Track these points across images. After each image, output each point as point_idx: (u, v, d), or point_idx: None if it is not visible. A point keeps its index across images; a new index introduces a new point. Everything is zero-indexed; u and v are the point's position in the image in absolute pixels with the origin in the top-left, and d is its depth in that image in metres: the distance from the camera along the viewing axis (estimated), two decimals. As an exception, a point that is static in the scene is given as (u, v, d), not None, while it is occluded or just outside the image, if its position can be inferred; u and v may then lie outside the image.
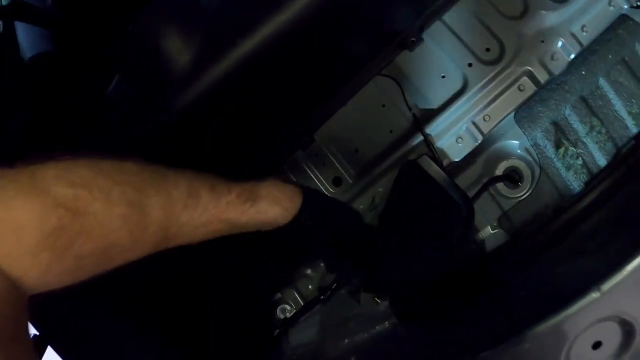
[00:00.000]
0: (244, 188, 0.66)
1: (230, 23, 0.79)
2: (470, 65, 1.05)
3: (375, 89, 1.09)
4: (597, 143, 1.06)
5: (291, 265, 1.08)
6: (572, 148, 1.06)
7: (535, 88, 1.03)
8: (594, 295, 0.62)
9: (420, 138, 1.07)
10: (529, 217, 1.08)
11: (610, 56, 1.05)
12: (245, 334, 1.03)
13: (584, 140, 1.06)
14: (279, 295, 1.10)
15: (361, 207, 1.10)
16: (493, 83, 1.04)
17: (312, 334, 1.03)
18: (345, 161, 1.11)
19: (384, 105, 1.10)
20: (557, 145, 1.07)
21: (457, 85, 1.06)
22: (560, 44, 1.02)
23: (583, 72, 1.05)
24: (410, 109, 1.08)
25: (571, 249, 0.90)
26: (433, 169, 1.04)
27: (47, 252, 0.44)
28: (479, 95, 1.05)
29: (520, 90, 1.03)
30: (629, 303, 0.64)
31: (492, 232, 1.09)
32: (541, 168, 1.08)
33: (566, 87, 1.06)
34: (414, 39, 1.00)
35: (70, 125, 0.84)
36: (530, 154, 1.08)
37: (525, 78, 1.03)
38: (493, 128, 1.04)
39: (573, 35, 1.02)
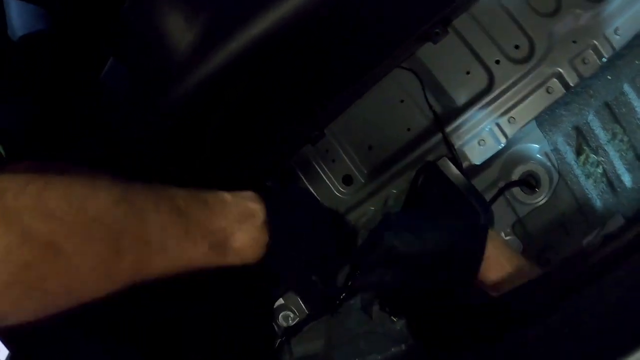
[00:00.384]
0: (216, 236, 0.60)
1: (240, 1, 0.70)
2: (497, 62, 0.99)
3: (394, 83, 1.02)
4: (618, 151, 1.02)
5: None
6: (593, 155, 1.02)
7: (564, 91, 0.97)
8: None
9: (439, 138, 1.00)
10: (544, 225, 1.04)
11: (637, 62, 1.00)
12: (244, 343, 0.95)
13: (605, 147, 1.02)
14: (281, 301, 1.02)
15: (372, 208, 1.03)
16: (521, 83, 0.98)
17: (318, 346, 0.95)
18: (357, 158, 1.04)
19: (402, 101, 1.03)
20: (578, 152, 1.03)
21: (482, 83, 0.99)
22: (592, 46, 0.97)
23: (609, 77, 1.01)
24: (430, 106, 1.01)
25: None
26: (453, 173, 0.98)
27: (17, 286, 0.43)
28: (505, 95, 0.98)
29: (549, 92, 0.98)
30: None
31: (506, 238, 1.05)
32: (560, 174, 1.04)
33: (591, 91, 1.01)
34: (438, 30, 0.93)
35: (70, 125, 0.75)
36: (549, 159, 1.04)
37: (554, 80, 0.97)
38: (517, 131, 0.99)
39: (606, 38, 0.97)
